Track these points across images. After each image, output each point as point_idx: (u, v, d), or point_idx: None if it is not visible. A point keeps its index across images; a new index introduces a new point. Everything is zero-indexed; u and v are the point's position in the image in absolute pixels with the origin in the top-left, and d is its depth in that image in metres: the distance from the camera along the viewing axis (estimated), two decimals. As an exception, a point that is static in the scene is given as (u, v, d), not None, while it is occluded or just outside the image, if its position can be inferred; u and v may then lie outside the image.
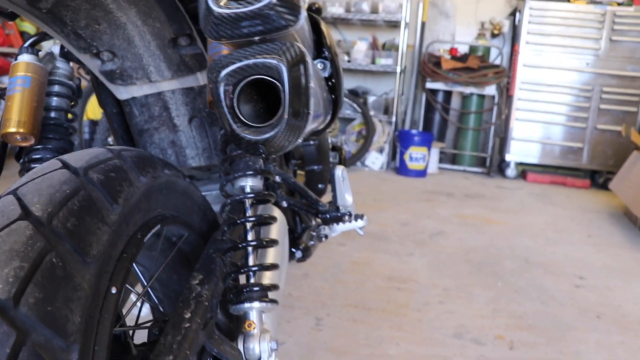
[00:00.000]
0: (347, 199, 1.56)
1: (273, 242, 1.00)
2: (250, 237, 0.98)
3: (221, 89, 0.77)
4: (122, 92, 1.23)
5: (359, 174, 5.22)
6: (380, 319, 2.23)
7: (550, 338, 2.21)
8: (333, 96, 1.12)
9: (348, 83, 6.09)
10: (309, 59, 0.77)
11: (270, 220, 1.01)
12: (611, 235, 3.79)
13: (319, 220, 1.66)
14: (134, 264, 1.13)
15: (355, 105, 5.49)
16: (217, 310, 0.94)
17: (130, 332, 0.92)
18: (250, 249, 0.97)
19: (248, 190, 1.00)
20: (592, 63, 5.41)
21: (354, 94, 5.71)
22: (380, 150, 5.51)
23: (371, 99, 5.82)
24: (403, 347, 2.03)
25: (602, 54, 5.39)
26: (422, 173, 5.29)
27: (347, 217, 1.54)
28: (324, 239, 1.74)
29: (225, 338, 0.91)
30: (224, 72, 0.77)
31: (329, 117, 1.13)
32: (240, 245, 0.97)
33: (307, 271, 2.65)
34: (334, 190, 1.58)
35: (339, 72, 1.11)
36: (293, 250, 1.59)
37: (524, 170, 5.72)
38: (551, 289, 2.70)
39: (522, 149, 5.59)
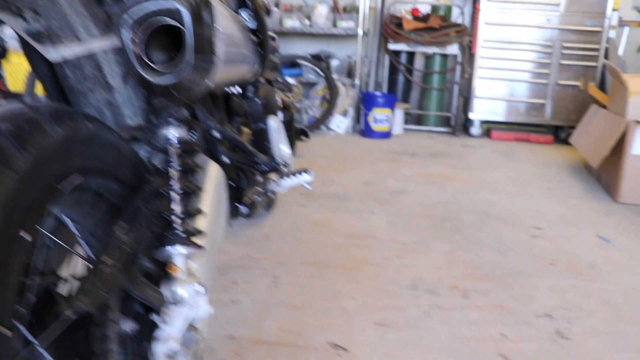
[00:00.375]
0: (282, 149, 1.56)
1: (197, 189, 1.00)
2: (174, 184, 0.98)
3: (125, 34, 0.76)
4: (52, 53, 1.21)
5: (324, 138, 5.22)
6: (337, 275, 2.25)
7: (504, 285, 2.25)
8: (260, 48, 1.11)
9: (310, 47, 6.05)
10: (215, 3, 0.76)
11: (194, 167, 1.01)
12: (570, 187, 3.85)
13: (269, 177, 1.66)
14: (69, 220, 1.13)
15: (318, 70, 5.46)
16: (142, 257, 0.93)
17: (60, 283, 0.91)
18: (173, 195, 0.97)
19: (171, 138, 0.99)
20: (553, 19, 5.43)
21: (317, 58, 5.67)
22: (345, 114, 5.50)
23: (334, 63, 5.79)
24: (359, 300, 2.06)
25: (562, 10, 5.40)
26: (386, 135, 5.30)
27: (283, 168, 1.54)
28: (271, 195, 1.75)
29: (149, 282, 0.91)
30: (126, 16, 0.76)
31: (257, 67, 1.12)
32: (163, 192, 0.96)
33: (267, 233, 2.66)
34: (268, 141, 1.58)
35: (264, 24, 1.10)
36: (238, 205, 1.59)
37: (489, 129, 5.76)
38: (508, 239, 2.75)
39: (486, 107, 5.62)
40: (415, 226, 2.85)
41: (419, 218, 2.98)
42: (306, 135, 2.61)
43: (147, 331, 0.94)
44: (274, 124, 1.59)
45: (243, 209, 1.58)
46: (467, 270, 2.36)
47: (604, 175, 3.84)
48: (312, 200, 3.18)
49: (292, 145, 2.36)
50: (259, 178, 1.71)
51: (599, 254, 2.64)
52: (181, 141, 1.00)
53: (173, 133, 0.99)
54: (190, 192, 1.02)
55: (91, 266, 0.89)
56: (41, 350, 0.84)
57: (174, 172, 0.98)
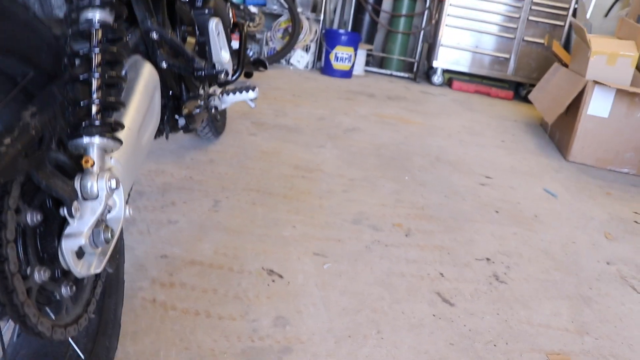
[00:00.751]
0: (222, 55, 1.46)
1: (121, 80, 0.90)
2: (95, 71, 0.88)
3: None
4: None
5: (283, 71, 5.09)
6: (279, 203, 2.19)
7: (448, 227, 2.23)
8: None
9: (277, -23, 5.84)
10: None
11: (119, 57, 0.91)
12: (523, 141, 3.86)
13: (211, 90, 1.56)
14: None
15: (282, 1, 5.28)
16: (52, 146, 0.84)
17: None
18: (94, 81, 0.87)
19: (94, 21, 0.89)
20: (525, -28, 5.35)
21: (283, -12, 5.48)
22: (307, 49, 5.36)
23: (300, -4, 5.61)
24: (299, 230, 2.01)
25: (535, -36, 5.32)
26: (347, 74, 5.20)
27: (222, 76, 1.44)
28: (213, 110, 1.65)
29: (59, 172, 0.82)
30: None
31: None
32: (81, 78, 0.87)
33: (213, 157, 2.57)
34: (208, 45, 1.47)
35: None
36: (177, 117, 1.50)
37: (450, 79, 5.71)
38: (457, 185, 2.73)
39: (450, 56, 5.55)
40: (364, 163, 2.81)
41: (369, 156, 2.93)
42: (264, 66, 2.49)
43: (55, 225, 0.86)
44: (214, 26, 1.48)
45: (181, 120, 1.49)
46: (412, 211, 2.34)
47: (558, 133, 3.85)
48: (263, 130, 3.09)
49: (248, 74, 2.25)
50: (201, 91, 1.62)
51: (543, 206, 2.65)
52: (105, 25, 0.90)
53: (96, 15, 0.89)
54: (114, 83, 0.92)
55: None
56: None
57: (95, 58, 0.88)
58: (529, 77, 5.51)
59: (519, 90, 5.72)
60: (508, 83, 5.76)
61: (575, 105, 3.48)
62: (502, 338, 1.61)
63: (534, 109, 4.64)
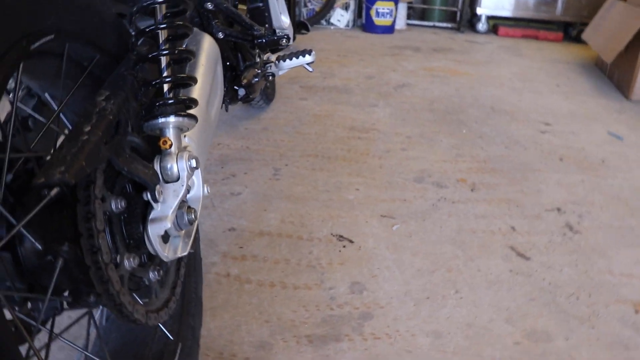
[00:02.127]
0: (282, 20, 1.42)
1: (189, 55, 0.88)
2: (162, 47, 0.86)
3: None
4: None
5: (324, 32, 5.00)
6: (339, 167, 2.16)
7: (512, 179, 2.17)
8: None
9: None
10: None
11: (185, 30, 0.88)
12: (579, 84, 3.71)
13: (266, 57, 1.52)
14: (48, 96, 1.01)
15: (318, -41, 5.16)
16: (129, 129, 0.83)
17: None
18: (162, 59, 0.85)
19: (160, -2, 0.86)
20: None
21: (318, -54, 5.34)
22: (346, 7, 5.25)
23: (336, -48, 5.47)
24: (362, 192, 1.98)
25: None
26: (389, 29, 5.08)
27: (284, 41, 1.40)
28: (270, 77, 1.62)
29: (138, 156, 0.81)
30: None
31: None
32: (150, 57, 0.84)
33: (267, 125, 2.55)
34: (267, 11, 1.43)
35: None
36: (236, 88, 1.47)
37: (495, 25, 5.52)
38: (516, 134, 2.65)
39: (493, 2, 5.35)
40: (419, 119, 2.74)
41: (423, 111, 2.86)
42: (306, 28, 2.43)
43: (139, 211, 0.85)
44: (273, -7, 1.43)
45: (240, 90, 1.46)
46: (474, 164, 2.28)
47: (617, 72, 3.69)
48: (313, 93, 3.05)
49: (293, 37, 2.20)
50: (257, 59, 1.58)
51: (609, 150, 2.55)
52: (167, 0, 0.87)
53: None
54: (182, 59, 0.90)
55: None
56: (22, 230, 0.75)
57: (161, 34, 0.85)
58: (579, 16, 5.28)
59: (569, 31, 5.49)
60: (556, 24, 5.53)
61: (636, 42, 3.31)
62: (584, 290, 1.56)
63: (588, 49, 4.45)
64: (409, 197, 1.96)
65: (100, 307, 0.99)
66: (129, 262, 0.79)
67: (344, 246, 1.66)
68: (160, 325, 1.04)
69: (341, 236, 1.70)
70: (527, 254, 1.70)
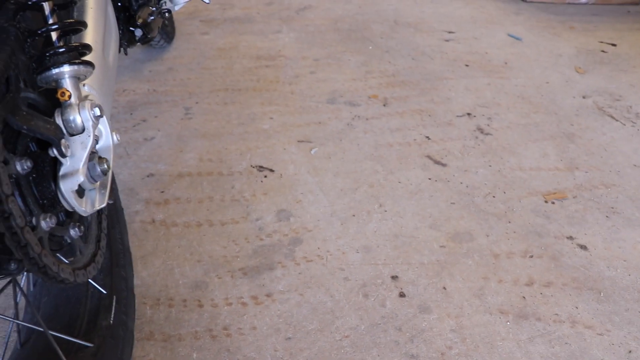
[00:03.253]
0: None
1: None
2: (45, -8, 0.80)
3: None
4: None
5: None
6: (251, 98, 2.14)
7: (422, 90, 2.21)
8: None
9: None
10: None
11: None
12: (477, -13, 3.76)
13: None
14: None
15: None
16: (21, 85, 0.78)
17: None
18: (45, 5, 0.79)
19: None
20: None
21: None
22: None
23: None
24: (277, 120, 1.97)
25: None
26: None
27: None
28: (167, 14, 1.55)
29: (37, 113, 0.77)
30: None
31: None
32: (30, 3, 0.79)
33: (172, 65, 2.47)
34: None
35: None
36: (132, 29, 1.41)
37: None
38: (421, 45, 2.68)
39: None
40: (324, 41, 2.72)
41: (328, 32, 2.84)
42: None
43: (48, 169, 0.81)
44: None
45: (137, 31, 1.40)
46: (384, 79, 2.30)
47: (509, -28, 3.75)
48: (215, 26, 2.95)
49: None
50: (151, -2, 1.51)
51: (511, 52, 2.63)
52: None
53: None
54: (67, 3, 0.84)
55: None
56: None
57: (42, -22, 0.80)
58: None
59: None
60: None
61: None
62: (499, 188, 1.64)
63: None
64: (323, 119, 1.97)
65: (25, 273, 0.96)
66: (46, 223, 0.76)
67: (265, 176, 1.66)
68: (91, 282, 1.02)
69: (261, 166, 1.70)
70: (444, 161, 1.75)
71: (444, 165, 1.73)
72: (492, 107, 2.09)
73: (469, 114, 2.03)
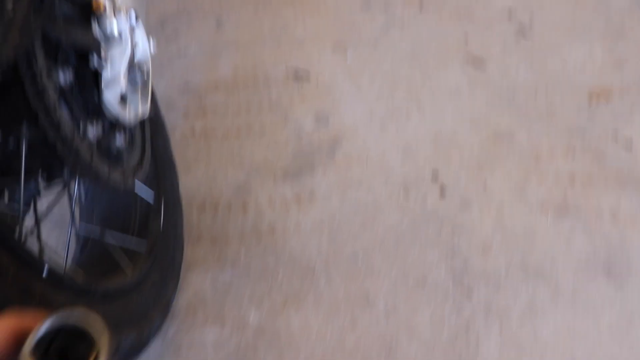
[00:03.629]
0: None
1: None
2: None
3: None
4: None
5: None
6: (283, 7, 2.08)
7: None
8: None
9: None
10: None
11: None
12: None
13: None
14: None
15: None
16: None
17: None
18: None
19: None
20: None
21: None
22: None
23: None
24: (310, 27, 1.93)
25: None
26: None
27: None
28: None
29: (75, 25, 0.77)
30: None
31: None
32: None
33: (199, -24, 2.42)
34: None
35: None
36: None
37: None
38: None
39: None
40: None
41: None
42: None
43: (90, 80, 0.82)
44: None
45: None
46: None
47: None
48: None
49: None
50: None
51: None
52: None
53: None
54: None
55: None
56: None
57: None
58: None
59: None
60: None
61: None
62: (541, 88, 1.60)
63: None
64: (358, 24, 1.93)
65: (76, 186, 0.98)
66: (93, 130, 0.78)
67: (301, 83, 1.65)
68: (141, 188, 1.05)
69: (297, 73, 1.69)
70: (483, 62, 1.72)
71: (483, 65, 1.70)
72: (533, 4, 2.01)
73: (509, 13, 1.96)
